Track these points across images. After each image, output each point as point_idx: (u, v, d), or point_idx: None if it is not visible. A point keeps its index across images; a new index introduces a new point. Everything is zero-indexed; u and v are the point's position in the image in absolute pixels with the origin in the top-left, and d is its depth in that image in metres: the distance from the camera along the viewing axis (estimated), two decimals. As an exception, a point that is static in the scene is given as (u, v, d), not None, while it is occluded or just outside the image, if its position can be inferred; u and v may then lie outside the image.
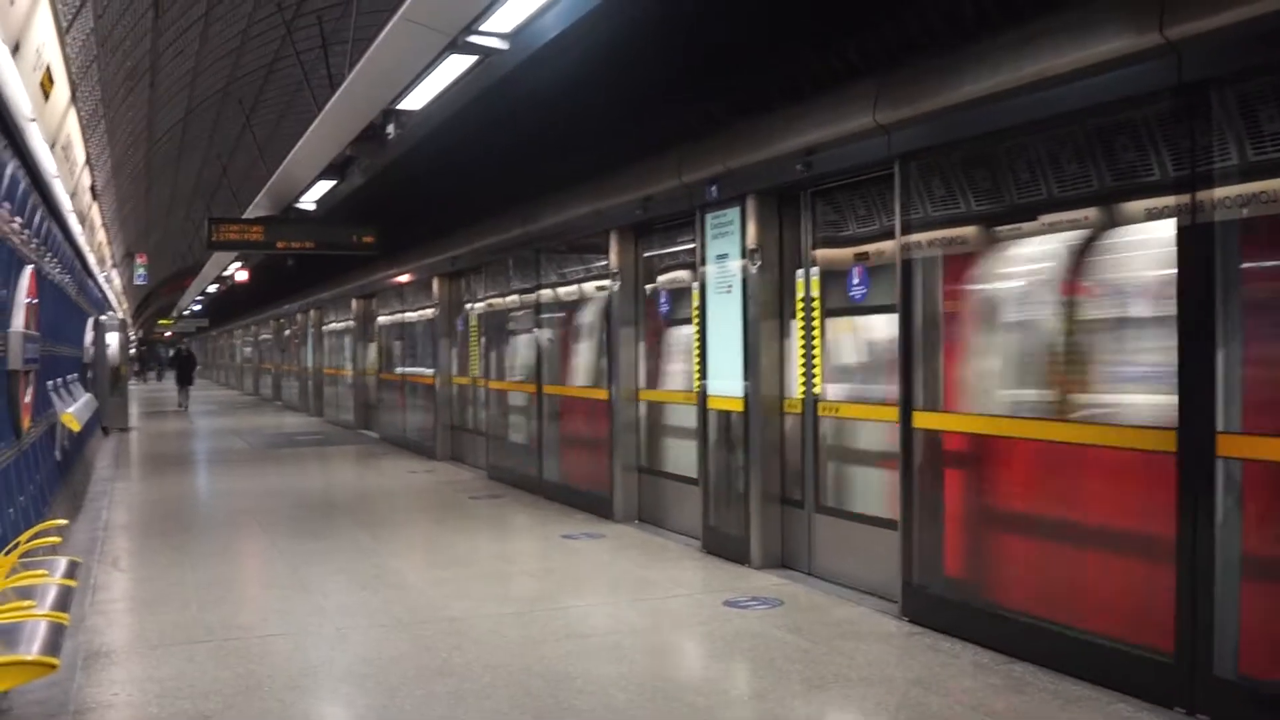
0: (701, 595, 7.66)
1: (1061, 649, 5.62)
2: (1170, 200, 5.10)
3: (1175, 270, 5.05)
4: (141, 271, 37.16)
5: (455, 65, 7.70)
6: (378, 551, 9.35)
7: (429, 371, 17.86)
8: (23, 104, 7.01)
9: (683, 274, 9.96)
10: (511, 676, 5.76)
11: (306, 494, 13.48)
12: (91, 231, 16.63)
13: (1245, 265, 4.88)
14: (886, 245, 7.24)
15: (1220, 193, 4.83)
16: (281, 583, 8.28)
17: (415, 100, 8.87)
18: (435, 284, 17.21)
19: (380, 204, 15.06)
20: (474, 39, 6.97)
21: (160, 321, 64.88)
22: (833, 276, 7.98)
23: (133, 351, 45.90)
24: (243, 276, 28.34)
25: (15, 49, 6.04)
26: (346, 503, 12.93)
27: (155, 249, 42.24)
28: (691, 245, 9.39)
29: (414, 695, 5.48)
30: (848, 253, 7.83)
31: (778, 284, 8.40)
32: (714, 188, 8.69)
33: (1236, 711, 4.77)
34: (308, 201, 14.98)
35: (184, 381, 32.22)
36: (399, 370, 20.32)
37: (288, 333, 34.26)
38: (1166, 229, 5.13)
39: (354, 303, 23.91)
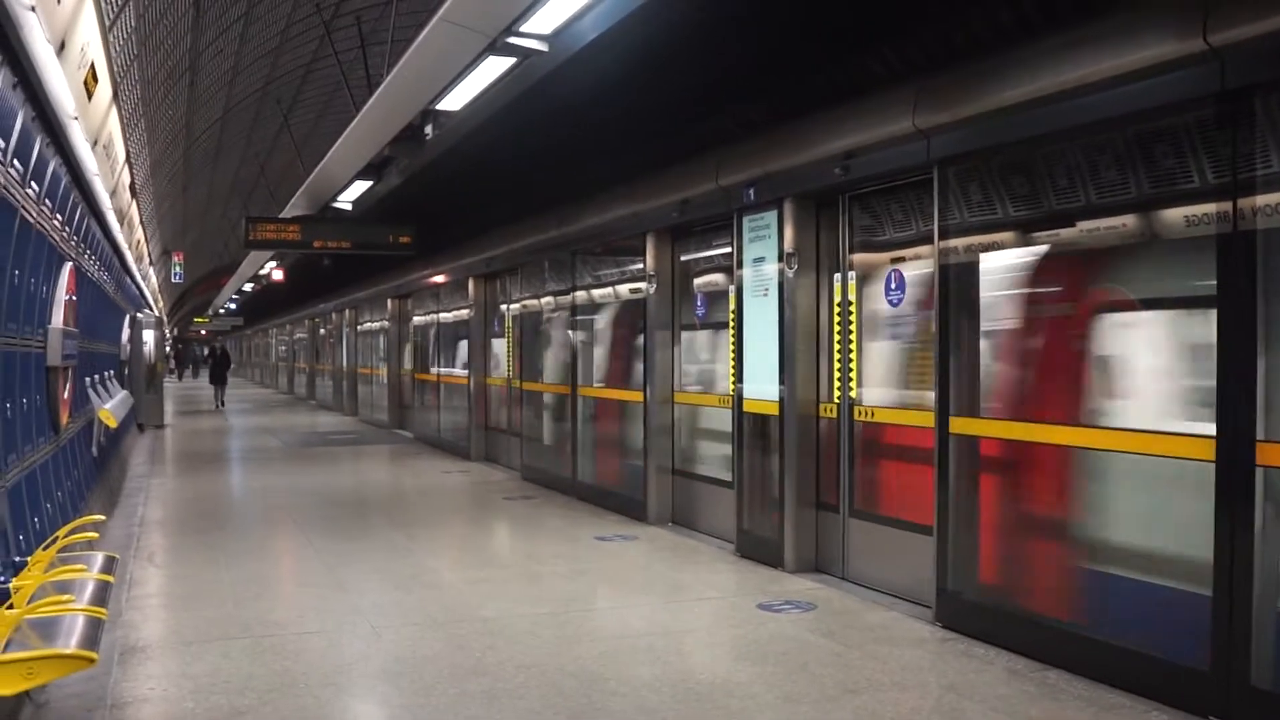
0: (735, 598, 7.65)
1: (1096, 656, 5.59)
2: (1211, 208, 5.05)
3: (1215, 278, 5.02)
4: (178, 269, 37.54)
5: (494, 66, 7.71)
6: (412, 551, 9.40)
7: (463, 372, 17.92)
8: (66, 102, 7.06)
9: (719, 277, 9.96)
10: (545, 676, 5.78)
11: (341, 493, 13.56)
12: (130, 229, 16.74)
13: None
14: (924, 250, 7.22)
15: (1263, 200, 4.79)
16: (316, 581, 8.33)
17: (454, 101, 8.89)
18: (471, 285, 17.27)
19: (417, 204, 15.11)
20: (513, 40, 6.99)
21: (196, 319, 65.40)
22: (869, 280, 7.96)
23: (168, 349, 46.33)
24: (278, 275, 28.50)
25: (61, 48, 6.08)
26: (381, 502, 13.01)
27: (192, 247, 42.63)
28: (728, 249, 9.38)
29: (448, 694, 5.51)
30: (884, 257, 7.81)
31: (814, 288, 8.38)
32: (751, 191, 8.68)
33: (1274, 723, 4.72)
34: (345, 201, 15.06)
35: (218, 380, 32.47)
36: (434, 370, 20.38)
37: (323, 332, 34.43)
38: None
39: (389, 303, 24.01)
